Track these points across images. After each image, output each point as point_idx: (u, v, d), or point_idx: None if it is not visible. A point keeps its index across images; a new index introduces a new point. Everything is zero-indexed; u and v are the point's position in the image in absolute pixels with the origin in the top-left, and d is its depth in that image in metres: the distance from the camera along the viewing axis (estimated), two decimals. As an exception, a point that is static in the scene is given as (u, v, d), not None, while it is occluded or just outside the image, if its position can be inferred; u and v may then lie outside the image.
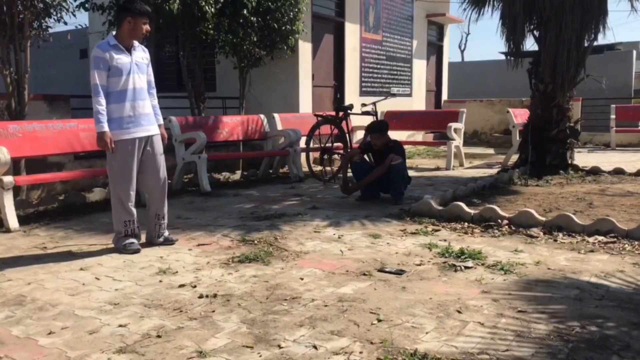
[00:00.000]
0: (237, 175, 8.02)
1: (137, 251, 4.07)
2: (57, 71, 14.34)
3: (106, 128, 3.95)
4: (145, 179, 4.21)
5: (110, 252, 4.12)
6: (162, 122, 4.37)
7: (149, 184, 4.25)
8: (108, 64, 3.97)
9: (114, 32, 4.14)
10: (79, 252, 4.11)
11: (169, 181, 6.94)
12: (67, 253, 4.10)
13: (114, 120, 4.00)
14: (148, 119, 4.16)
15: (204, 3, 6.84)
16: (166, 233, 4.36)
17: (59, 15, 6.10)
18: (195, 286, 3.33)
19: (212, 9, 6.99)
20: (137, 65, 4.10)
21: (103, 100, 3.97)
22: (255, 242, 4.32)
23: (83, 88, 12.70)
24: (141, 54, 4.19)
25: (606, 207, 5.45)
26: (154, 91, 4.33)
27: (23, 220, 5.07)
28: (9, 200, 4.84)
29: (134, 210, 4.17)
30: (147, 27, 4.09)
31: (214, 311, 2.93)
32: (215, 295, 3.16)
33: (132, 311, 2.95)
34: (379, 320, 2.78)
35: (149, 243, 4.29)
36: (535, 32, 7.81)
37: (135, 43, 4.15)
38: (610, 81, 11.02)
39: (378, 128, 6.15)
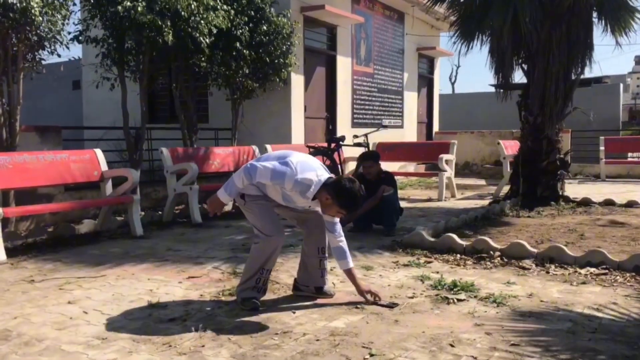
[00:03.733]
0: (229, 207, 7.98)
1: (256, 308, 3.44)
2: (48, 102, 14.39)
3: (228, 200, 3.50)
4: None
5: (100, 285, 4.06)
6: (350, 265, 3.58)
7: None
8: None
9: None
10: (67, 285, 4.05)
11: (160, 212, 6.94)
12: (55, 286, 4.03)
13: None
14: None
15: (198, 35, 6.93)
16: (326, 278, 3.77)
17: (52, 47, 6.14)
18: (185, 320, 3.28)
19: (207, 41, 7.07)
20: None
21: (246, 184, 3.42)
22: (247, 274, 4.28)
23: (74, 119, 12.77)
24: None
25: (597, 238, 5.46)
26: (339, 234, 3.59)
27: (11, 252, 5.00)
28: (-3, 232, 4.78)
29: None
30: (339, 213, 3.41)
31: (203, 346, 2.88)
32: (205, 330, 3.11)
33: (121, 346, 2.90)
34: (371, 355, 2.74)
35: (307, 286, 3.73)
36: (523, 65, 7.96)
37: None
38: (598, 113, 11.21)
39: (371, 156, 6.20)
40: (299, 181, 3.32)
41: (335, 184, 3.37)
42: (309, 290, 3.71)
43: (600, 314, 3.32)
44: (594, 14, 7.63)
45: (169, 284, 4.06)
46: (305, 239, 3.72)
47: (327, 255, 3.69)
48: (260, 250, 3.48)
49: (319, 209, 3.50)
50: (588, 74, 8.02)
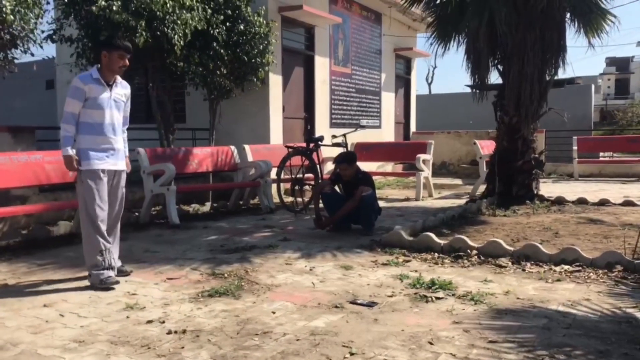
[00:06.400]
0: (207, 207, 7.94)
1: (115, 283, 4.01)
2: (21, 102, 14.11)
3: (71, 152, 4.00)
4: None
5: (76, 287, 4.00)
6: (127, 153, 4.44)
7: (109, 216, 4.24)
8: (85, 95, 4.02)
9: (98, 65, 4.18)
10: (42, 288, 3.98)
11: (137, 213, 6.86)
12: (29, 289, 3.96)
13: (84, 150, 4.05)
14: (117, 155, 4.22)
15: (173, 35, 6.87)
16: (119, 264, 4.31)
17: (26, 46, 6.04)
18: (163, 322, 3.25)
19: (181, 42, 7.01)
20: (115, 101, 4.17)
21: (72, 127, 4.02)
22: (226, 275, 4.27)
23: (48, 119, 12.55)
24: (121, 91, 4.25)
25: (571, 236, 5.57)
26: (126, 126, 4.41)
27: (-17, 255, 4.90)
28: (-31, 235, 4.68)
29: (108, 239, 4.14)
30: (124, 61, 4.12)
31: (183, 347, 2.87)
32: (184, 331, 3.09)
33: (98, 349, 2.86)
34: (352, 354, 2.75)
35: None
36: (499, 66, 8.06)
37: (118, 79, 4.23)
38: (570, 114, 11.42)
39: (345, 158, 6.22)
40: (78, 76, 4.11)
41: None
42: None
43: (574, 310, 3.39)
44: (567, 16, 7.77)
45: (147, 286, 4.02)
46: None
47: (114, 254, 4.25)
48: (90, 234, 4.06)
49: (124, 92, 4.26)
50: (561, 75, 8.17)
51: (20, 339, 3.02)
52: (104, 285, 3.95)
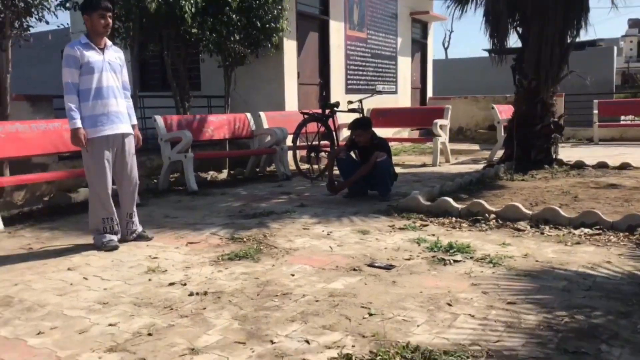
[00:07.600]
0: (224, 174, 7.99)
1: (115, 248, 4.09)
2: (38, 72, 14.16)
3: (79, 124, 3.99)
4: (116, 179, 4.29)
5: (98, 251, 4.07)
6: (135, 122, 4.43)
7: (120, 183, 4.32)
8: (79, 61, 4.01)
9: (85, 32, 4.18)
10: (65, 253, 4.06)
11: (155, 180, 6.93)
12: (53, 253, 4.05)
13: (87, 119, 4.04)
14: (121, 117, 4.19)
15: (184, 2, 6.79)
16: (140, 229, 4.42)
17: (40, 14, 6.02)
18: (185, 284, 3.31)
19: (192, 9, 6.93)
20: (110, 64, 4.14)
21: (74, 98, 4.01)
22: (244, 239, 4.31)
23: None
24: (114, 54, 4.22)
25: (591, 200, 5.52)
26: (129, 92, 4.40)
27: (8, 221, 5.00)
28: (-8, 202, 4.77)
29: (113, 208, 4.23)
30: (106, 20, 4.06)
31: (204, 308, 2.92)
32: (205, 293, 3.14)
33: (122, 310, 2.93)
34: (371, 314, 2.78)
35: (123, 240, 4.31)
36: (518, 29, 7.88)
37: (109, 43, 4.21)
38: (592, 77, 11.18)
39: (361, 124, 6.17)
40: (68, 44, 4.07)
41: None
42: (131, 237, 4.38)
43: (594, 273, 3.38)
44: (590, -25, 7.54)
45: (168, 250, 4.09)
46: (120, 201, 4.32)
47: (135, 218, 4.38)
48: (94, 201, 4.17)
49: (117, 55, 4.24)
50: (583, 37, 7.97)
51: (46, 300, 3.10)
52: (104, 248, 4.07)
